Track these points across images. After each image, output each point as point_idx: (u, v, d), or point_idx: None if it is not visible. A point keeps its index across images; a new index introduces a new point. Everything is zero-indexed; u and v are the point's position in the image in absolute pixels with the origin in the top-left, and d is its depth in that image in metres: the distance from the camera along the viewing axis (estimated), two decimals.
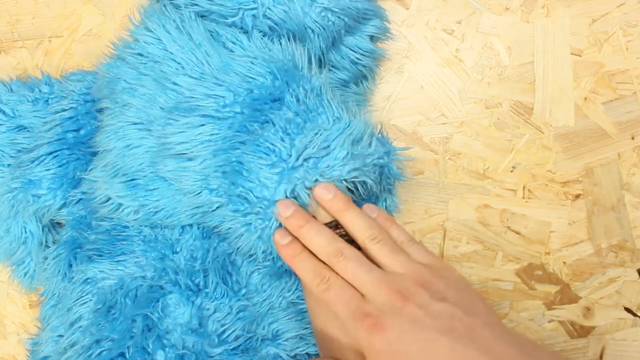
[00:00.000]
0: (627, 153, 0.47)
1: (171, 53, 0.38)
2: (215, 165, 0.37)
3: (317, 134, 0.36)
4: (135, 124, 0.39)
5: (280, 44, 0.39)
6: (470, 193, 0.47)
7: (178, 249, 0.41)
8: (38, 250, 0.46)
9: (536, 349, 0.31)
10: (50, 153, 0.42)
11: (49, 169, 0.42)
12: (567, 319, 0.48)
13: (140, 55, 0.39)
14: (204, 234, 0.42)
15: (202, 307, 0.39)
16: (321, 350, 0.35)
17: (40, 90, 0.46)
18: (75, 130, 0.43)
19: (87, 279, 0.40)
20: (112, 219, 0.42)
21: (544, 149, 0.47)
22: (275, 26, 0.40)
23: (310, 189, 0.36)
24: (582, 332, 0.48)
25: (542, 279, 0.48)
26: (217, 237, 0.42)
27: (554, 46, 0.47)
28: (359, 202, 0.39)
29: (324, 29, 0.40)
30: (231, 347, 0.38)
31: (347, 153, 0.36)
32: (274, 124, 0.36)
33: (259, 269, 0.41)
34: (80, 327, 0.39)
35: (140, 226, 0.42)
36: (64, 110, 0.44)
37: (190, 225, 0.42)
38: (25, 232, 0.45)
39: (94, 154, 0.43)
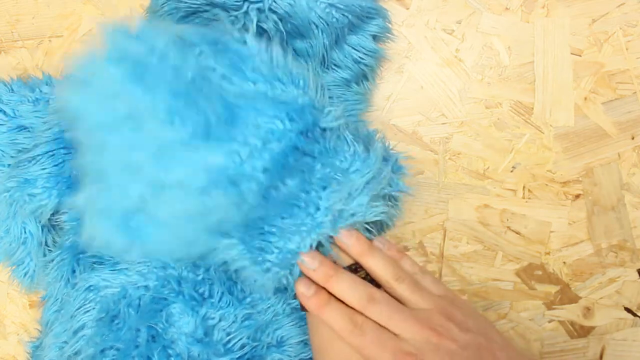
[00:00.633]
0: (627, 153, 0.47)
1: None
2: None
3: (339, 183, 0.34)
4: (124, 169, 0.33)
5: (287, 62, 0.34)
6: (470, 193, 0.48)
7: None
8: (38, 251, 0.46)
9: None
10: (47, 152, 0.42)
11: (44, 168, 0.42)
12: (567, 319, 0.48)
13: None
14: None
15: (207, 317, 0.39)
16: None
17: (41, 91, 0.46)
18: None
19: (90, 286, 0.40)
20: None
21: (544, 149, 0.47)
22: (280, 21, 0.39)
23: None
24: (582, 332, 0.48)
25: (542, 279, 0.48)
26: None
27: (554, 46, 0.47)
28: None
29: (328, 25, 0.40)
30: (237, 356, 0.38)
31: (370, 198, 0.35)
32: (295, 177, 0.34)
33: None
34: (84, 335, 0.39)
35: None
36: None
37: None
38: (25, 232, 0.45)
39: None
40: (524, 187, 0.47)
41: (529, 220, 0.47)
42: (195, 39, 0.33)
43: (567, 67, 0.47)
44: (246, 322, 0.39)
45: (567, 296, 0.48)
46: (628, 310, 0.47)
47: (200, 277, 0.39)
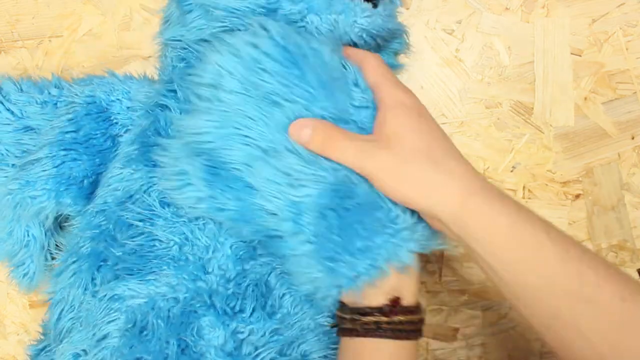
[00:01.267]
0: (627, 153, 0.47)
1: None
2: (317, 204, 0.35)
3: None
4: (243, 135, 0.36)
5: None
6: None
7: (210, 270, 0.40)
8: (39, 254, 0.45)
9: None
10: (48, 154, 0.42)
11: (45, 170, 0.42)
12: None
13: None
14: (237, 255, 0.40)
15: (237, 331, 0.38)
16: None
17: (49, 93, 0.46)
18: (73, 132, 0.43)
19: (115, 295, 0.39)
20: (139, 235, 0.40)
21: (544, 149, 0.47)
22: None
23: None
24: None
25: None
26: (251, 259, 0.40)
27: (554, 46, 0.47)
28: None
29: (356, 46, 0.41)
30: None
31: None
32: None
33: (290, 291, 0.40)
34: (108, 345, 0.38)
35: (170, 244, 0.40)
36: (68, 113, 0.44)
37: (222, 244, 0.40)
38: (28, 235, 0.45)
39: (93, 154, 0.43)
40: (524, 187, 0.47)
41: None
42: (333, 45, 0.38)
43: (567, 67, 0.47)
44: (275, 337, 0.39)
45: None
46: None
47: (230, 291, 0.39)
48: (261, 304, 0.39)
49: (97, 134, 0.43)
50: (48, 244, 0.46)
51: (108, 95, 0.44)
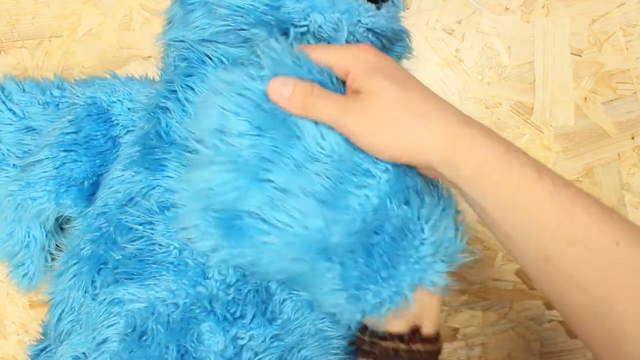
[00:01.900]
0: (627, 153, 0.47)
1: None
2: (345, 244, 0.35)
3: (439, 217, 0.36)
4: (262, 180, 0.35)
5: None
6: None
7: (210, 275, 0.39)
8: (40, 255, 0.45)
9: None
10: (48, 155, 0.42)
11: (45, 171, 0.42)
12: None
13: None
14: None
15: (237, 337, 0.38)
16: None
17: (51, 94, 0.45)
18: (74, 133, 0.43)
19: (114, 299, 0.39)
20: (139, 238, 0.40)
21: (544, 149, 0.47)
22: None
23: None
24: None
25: None
26: None
27: (554, 46, 0.47)
28: None
29: None
30: None
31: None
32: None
33: (291, 297, 0.40)
34: (108, 349, 0.38)
35: (169, 248, 0.40)
36: (69, 114, 0.44)
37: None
38: (29, 236, 0.45)
39: (93, 155, 0.43)
40: None
41: None
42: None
43: (567, 67, 0.47)
44: (275, 343, 0.39)
45: None
46: None
47: (231, 297, 0.39)
48: (261, 310, 0.39)
49: (97, 135, 0.43)
50: (48, 245, 0.46)
51: (109, 96, 0.44)
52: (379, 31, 0.40)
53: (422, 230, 0.35)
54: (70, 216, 0.44)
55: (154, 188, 0.40)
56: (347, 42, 0.39)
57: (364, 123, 0.33)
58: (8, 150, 0.45)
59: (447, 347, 0.50)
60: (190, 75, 0.40)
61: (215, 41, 0.40)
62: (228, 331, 0.38)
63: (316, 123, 0.34)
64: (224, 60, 0.39)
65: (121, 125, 0.44)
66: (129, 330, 0.38)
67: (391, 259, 0.34)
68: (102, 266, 0.41)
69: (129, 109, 0.44)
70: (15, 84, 0.46)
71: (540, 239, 0.30)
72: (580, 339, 0.32)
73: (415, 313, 0.35)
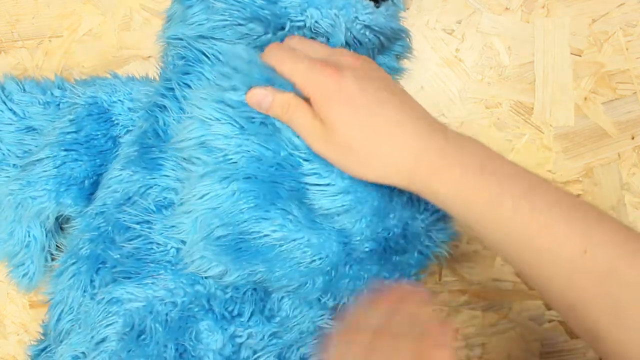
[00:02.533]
0: (627, 153, 0.47)
1: None
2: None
3: None
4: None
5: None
6: None
7: None
8: (40, 255, 0.45)
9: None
10: (49, 155, 0.42)
11: (46, 170, 0.42)
12: None
13: None
14: None
15: (235, 335, 0.38)
16: None
17: (52, 94, 0.46)
18: (74, 132, 0.43)
19: (113, 298, 0.39)
20: (137, 237, 0.40)
21: (544, 149, 0.47)
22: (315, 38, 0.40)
23: None
24: None
25: None
26: None
27: (554, 46, 0.47)
28: None
29: (361, 45, 0.40)
30: None
31: None
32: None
33: (289, 294, 0.40)
34: (107, 349, 0.38)
35: (167, 247, 0.40)
36: (70, 114, 0.44)
37: None
38: (29, 236, 0.45)
39: (93, 155, 0.43)
40: None
41: None
42: None
43: (567, 67, 0.47)
44: (274, 341, 0.39)
45: None
46: None
47: (229, 295, 0.39)
48: (259, 308, 0.39)
49: (98, 135, 0.43)
50: (49, 245, 0.46)
51: (110, 96, 0.44)
52: (377, 29, 0.40)
53: None
54: (70, 215, 0.44)
55: (151, 187, 0.40)
56: (346, 39, 0.40)
57: (333, 151, 0.34)
58: (8, 150, 0.45)
59: None
60: (188, 74, 0.40)
61: (212, 37, 0.40)
62: (226, 329, 0.38)
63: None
64: (220, 57, 0.40)
65: (121, 125, 0.44)
66: (127, 329, 0.38)
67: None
68: (100, 266, 0.41)
69: (129, 109, 0.44)
70: (15, 84, 0.46)
71: (510, 250, 0.32)
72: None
73: None
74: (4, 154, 0.45)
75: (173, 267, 0.39)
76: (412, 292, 0.36)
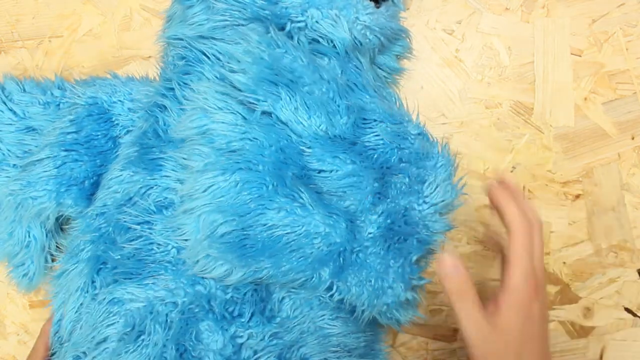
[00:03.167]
0: (627, 153, 0.47)
1: None
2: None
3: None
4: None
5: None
6: (470, 193, 0.47)
7: None
8: (40, 255, 0.45)
9: None
10: (49, 155, 0.42)
11: (46, 171, 0.42)
12: (567, 319, 0.48)
13: None
14: None
15: (236, 335, 0.38)
16: None
17: (52, 94, 0.46)
18: (75, 132, 0.43)
19: (114, 299, 0.39)
20: (137, 238, 0.40)
21: (544, 149, 0.47)
22: (315, 40, 0.40)
23: None
24: (582, 332, 0.48)
25: None
26: None
27: (554, 46, 0.47)
28: None
29: (362, 45, 0.41)
30: None
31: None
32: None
33: (290, 295, 0.40)
34: (107, 349, 0.38)
35: (167, 247, 0.40)
36: (70, 114, 0.44)
37: None
38: (29, 236, 0.45)
39: (94, 155, 0.43)
40: (524, 188, 0.47)
41: None
42: None
43: (567, 67, 0.47)
44: (274, 341, 0.39)
45: (567, 296, 0.48)
46: (628, 310, 0.47)
47: (229, 296, 0.39)
48: (260, 308, 0.39)
49: (98, 135, 0.43)
50: (49, 245, 0.46)
51: (110, 96, 0.44)
52: (377, 29, 0.40)
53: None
54: (70, 216, 0.44)
55: (151, 188, 0.40)
56: (345, 40, 0.39)
57: (483, 354, 0.36)
58: (8, 150, 0.45)
59: (447, 347, 0.50)
60: (188, 74, 0.41)
61: (213, 38, 0.40)
62: (227, 330, 0.38)
63: (295, 110, 0.37)
64: (221, 57, 0.40)
65: (121, 126, 0.44)
66: (128, 330, 0.38)
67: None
68: (101, 266, 0.41)
69: (129, 109, 0.44)
70: (15, 84, 0.46)
71: None
72: None
73: None
74: (4, 154, 0.45)
75: (173, 268, 0.39)
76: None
